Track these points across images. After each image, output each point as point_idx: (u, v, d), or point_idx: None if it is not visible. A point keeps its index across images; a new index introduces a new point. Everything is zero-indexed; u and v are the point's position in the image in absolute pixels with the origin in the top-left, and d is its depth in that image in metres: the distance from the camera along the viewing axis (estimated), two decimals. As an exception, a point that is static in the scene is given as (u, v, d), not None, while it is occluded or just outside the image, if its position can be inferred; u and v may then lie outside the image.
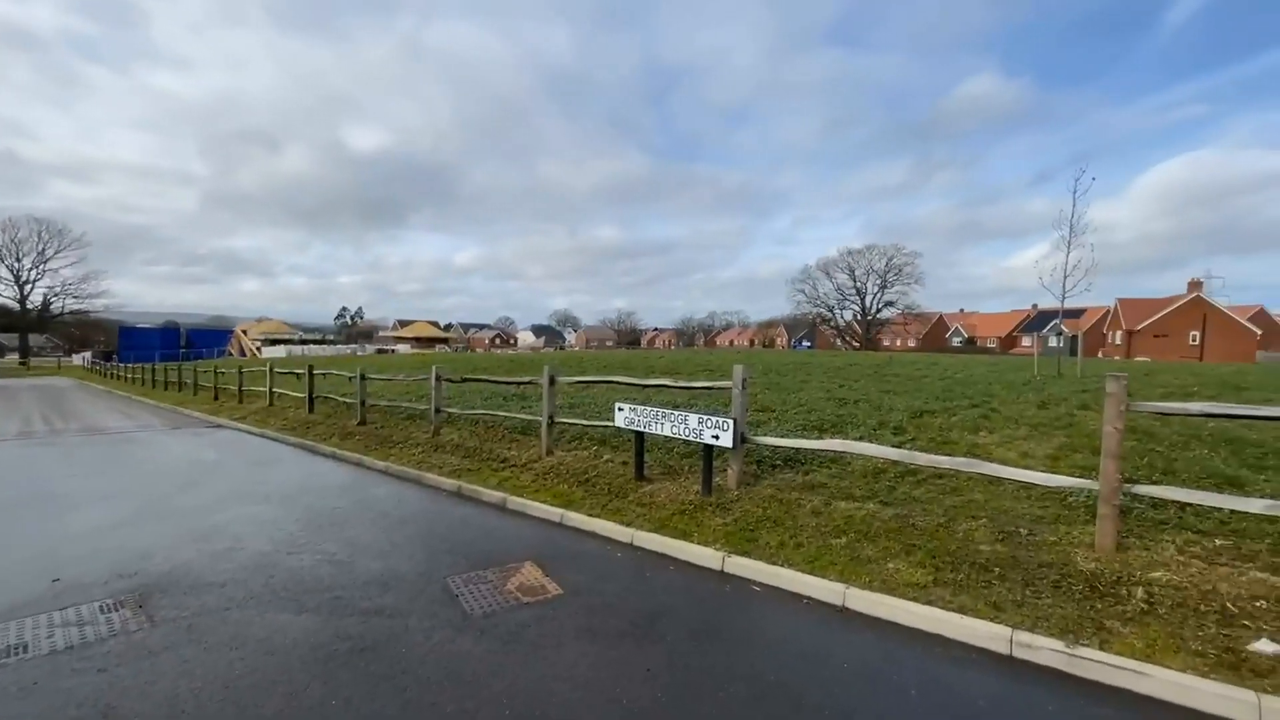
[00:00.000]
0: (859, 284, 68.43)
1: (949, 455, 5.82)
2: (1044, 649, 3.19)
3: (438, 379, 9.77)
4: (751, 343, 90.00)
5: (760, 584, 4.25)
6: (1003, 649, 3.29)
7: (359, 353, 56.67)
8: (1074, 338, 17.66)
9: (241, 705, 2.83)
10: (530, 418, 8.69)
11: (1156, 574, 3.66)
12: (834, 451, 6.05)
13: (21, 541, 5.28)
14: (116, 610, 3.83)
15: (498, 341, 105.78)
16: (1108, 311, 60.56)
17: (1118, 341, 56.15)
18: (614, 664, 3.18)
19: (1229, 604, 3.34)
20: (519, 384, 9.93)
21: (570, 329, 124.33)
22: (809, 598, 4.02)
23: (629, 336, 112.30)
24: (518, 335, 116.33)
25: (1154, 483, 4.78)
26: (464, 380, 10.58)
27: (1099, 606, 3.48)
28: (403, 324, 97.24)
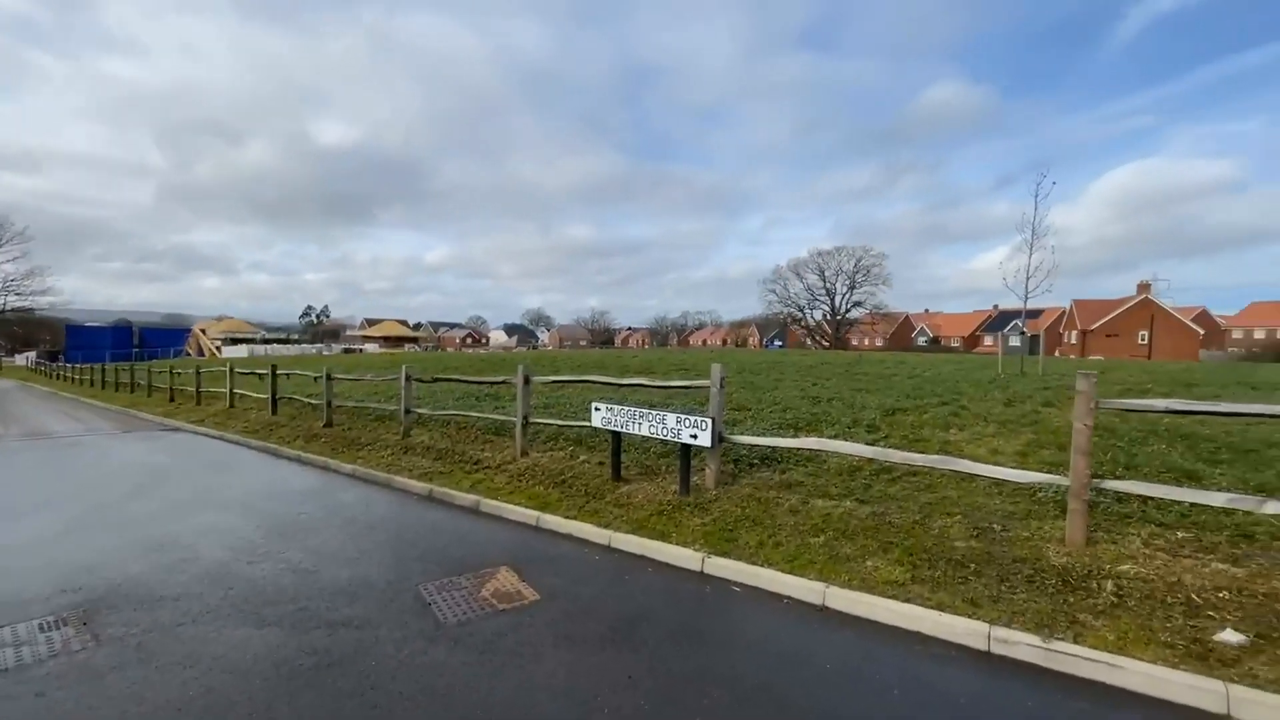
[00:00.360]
0: (828, 284, 69.59)
1: (922, 453, 5.89)
2: (1021, 644, 3.23)
3: (407, 379, 9.51)
4: (724, 342, 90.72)
5: (740, 584, 4.22)
6: (981, 645, 3.32)
7: (325, 352, 55.11)
8: (1035, 337, 18.22)
9: (196, 728, 2.65)
10: (504, 418, 8.52)
11: (1125, 567, 3.75)
12: (810, 450, 6.08)
13: (-48, 555, 4.91)
14: (58, 628, 3.57)
15: (469, 341, 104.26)
16: (1063, 312, 62.87)
17: (1073, 341, 58.39)
18: (594, 671, 3.09)
19: (1194, 595, 3.43)
20: (492, 384, 9.75)
21: (543, 328, 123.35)
22: (789, 597, 3.99)
23: (603, 336, 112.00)
24: (489, 334, 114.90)
25: (1118, 478, 4.91)
26: (435, 380, 10.34)
27: (1071, 600, 3.54)
28: (371, 323, 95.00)
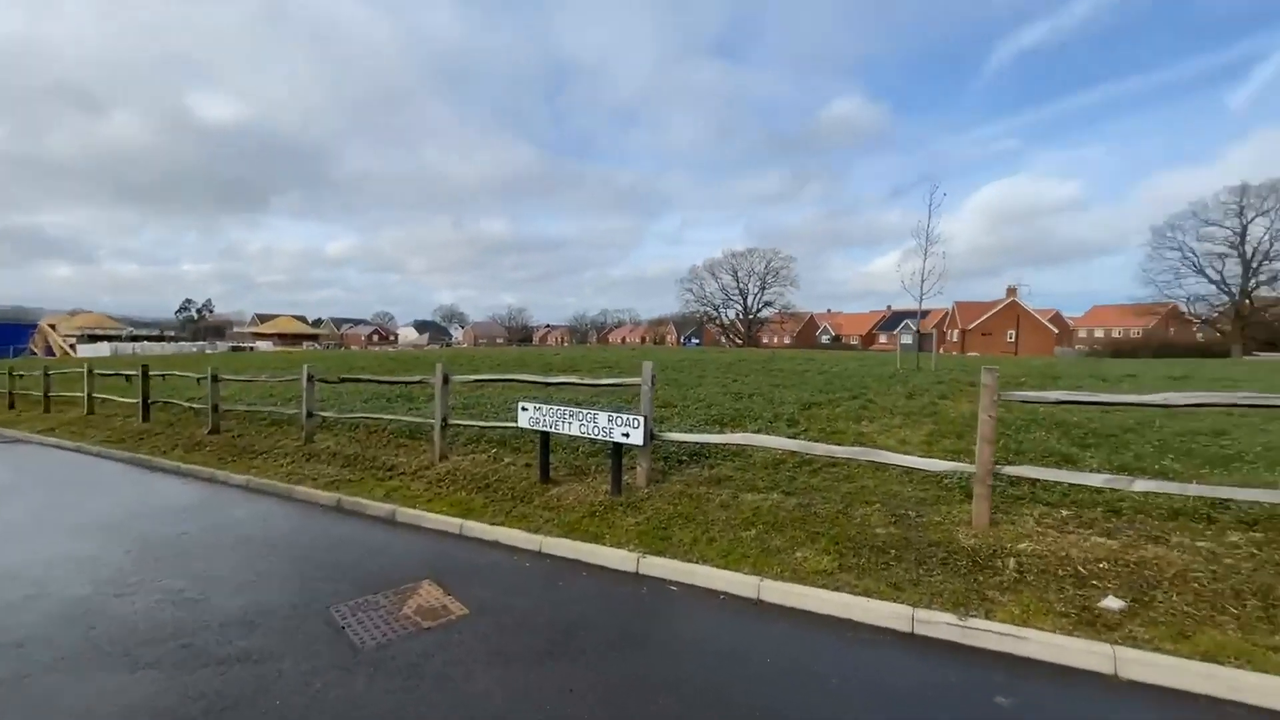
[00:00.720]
0: (741, 285, 72.27)
1: (839, 445, 6.17)
2: (941, 623, 3.43)
3: (310, 379, 8.71)
4: (643, 340, 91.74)
5: (676, 583, 4.19)
6: (905, 627, 3.49)
7: (209, 351, 49.66)
8: (929, 335, 19.83)
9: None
10: (420, 420, 8.02)
11: (1023, 545, 4.10)
12: (737, 445, 6.19)
13: None
14: None
15: (375, 339, 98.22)
16: (946, 313, 69.18)
17: (954, 339, 64.51)
18: (532, 688, 2.93)
19: (1080, 567, 3.81)
20: (406, 384, 9.16)
21: (457, 325, 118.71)
22: (725, 593, 4.02)
23: (520, 333, 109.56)
24: (398, 332, 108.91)
25: (1010, 463, 5.38)
26: (342, 380, 9.57)
27: (981, 579, 3.82)
28: (263, 319, 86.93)
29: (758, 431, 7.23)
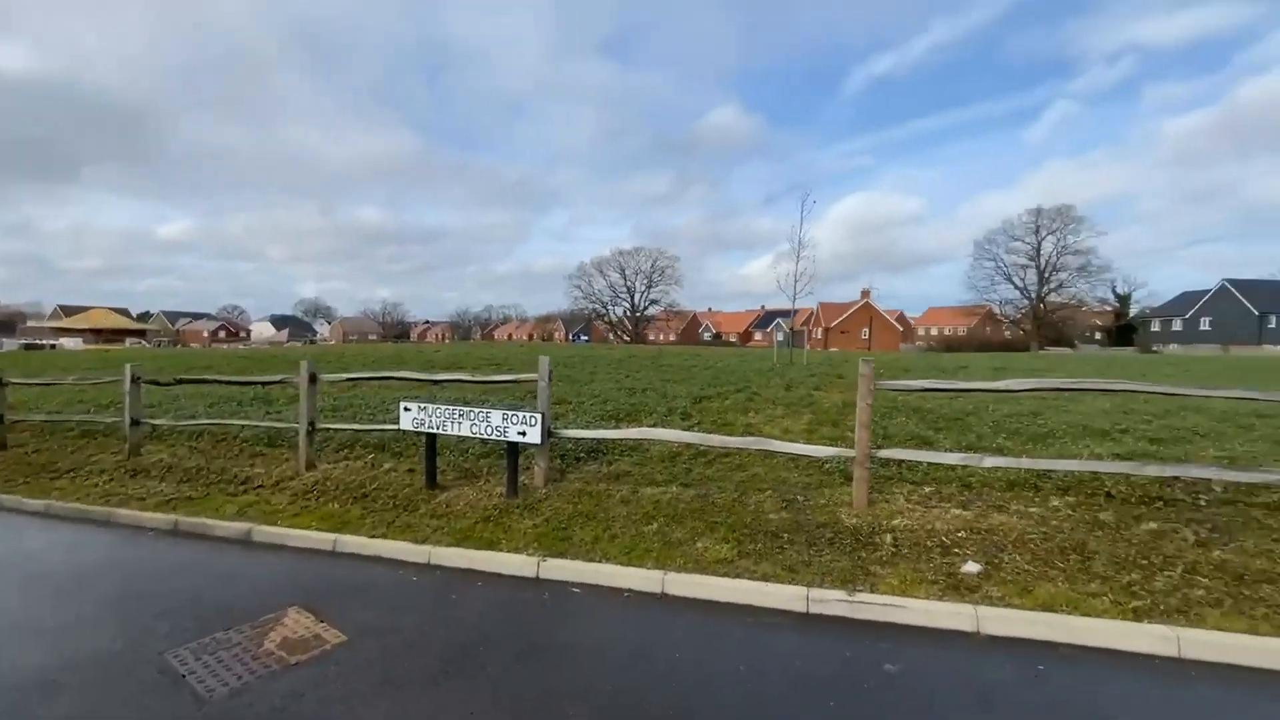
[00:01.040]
0: (629, 283, 73.43)
1: (733, 436, 6.42)
2: (833, 600, 3.63)
3: (135, 381, 7.36)
4: (530, 337, 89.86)
5: (580, 584, 4.05)
6: (802, 607, 3.66)
7: (-14, 350, 40.48)
8: (800, 333, 21.39)
9: None
10: (281, 425, 7.11)
11: (896, 521, 4.49)
12: (634, 440, 6.18)
13: None
14: None
15: (222, 335, 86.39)
16: (811, 312, 75.52)
17: (819, 336, 70.70)
18: (427, 716, 2.64)
19: (944, 538, 4.24)
20: (264, 384, 8.08)
21: (323, 320, 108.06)
22: (630, 590, 3.95)
23: (396, 329, 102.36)
24: (251, 327, 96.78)
25: (880, 447, 5.90)
26: (179, 382, 8.21)
27: (864, 555, 4.11)
28: (69, 311, 72.83)
29: (654, 425, 7.29)
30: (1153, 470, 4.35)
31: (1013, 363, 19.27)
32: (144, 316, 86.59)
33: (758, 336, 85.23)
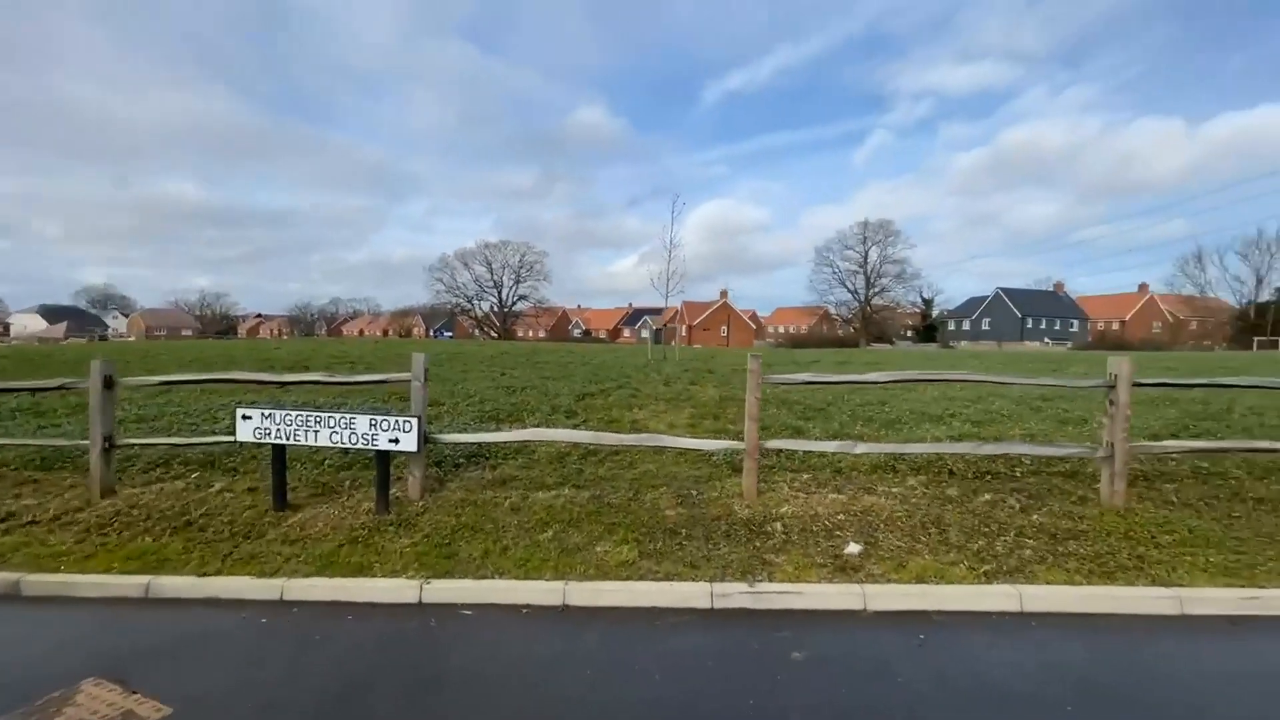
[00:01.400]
0: (496, 277, 70.82)
1: (620, 432, 6.33)
2: (735, 594, 3.67)
3: None
4: (386, 332, 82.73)
5: (471, 605, 3.67)
6: (707, 604, 3.65)
7: None
8: (672, 330, 22.08)
9: None
10: (62, 443, 5.67)
11: (784, 509, 4.70)
12: (520, 441, 5.84)
13: None
14: None
15: (-41, 329, 67.99)
16: (676, 311, 78.88)
17: (683, 334, 74.17)
18: (296, 792, 2.17)
19: (827, 522, 4.52)
20: (34, 391, 6.38)
21: (117, 313, 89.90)
22: (529, 605, 3.67)
23: (220, 324, 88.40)
24: (11, 320, 77.42)
25: (760, 438, 6.19)
26: (-109, 392, 6.19)
27: (758, 545, 4.24)
28: None
29: (539, 425, 6.98)
30: (989, 449, 5.02)
31: (853, 357, 21.68)
32: None
33: (626, 333, 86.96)
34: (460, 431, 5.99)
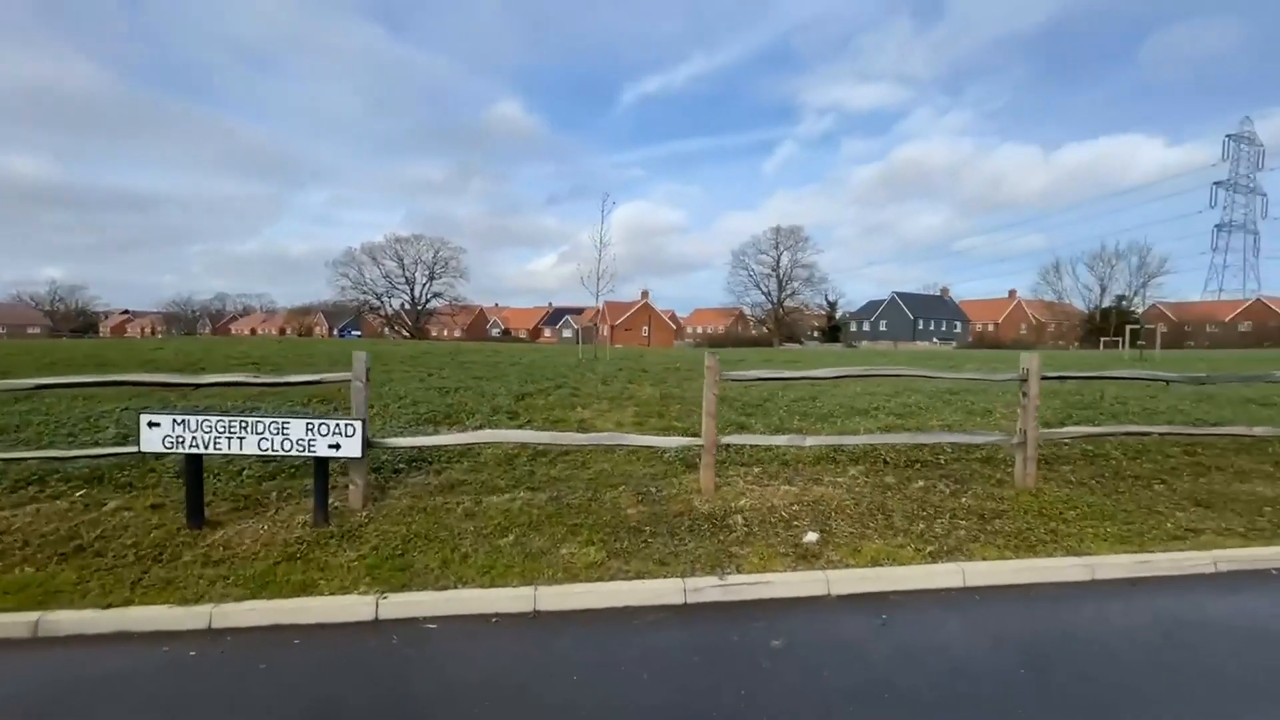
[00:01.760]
0: (408, 273, 67.36)
1: (566, 431, 6.21)
2: (707, 587, 3.71)
3: None
4: (282, 331, 76.04)
5: (435, 618, 3.45)
6: (680, 599, 3.66)
7: None
8: (598, 328, 22.01)
9: None
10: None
11: (742, 502, 4.82)
12: (464, 444, 5.59)
13: None
14: None
15: None
16: (598, 310, 78.92)
17: (605, 333, 74.32)
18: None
19: (784, 513, 4.68)
20: None
21: (-68, 307, 76.03)
22: (498, 614, 3.51)
23: (77, 321, 77.31)
24: None
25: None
26: None
27: (722, 538, 4.31)
28: None
29: (480, 427, 6.71)
30: (923, 439, 5.44)
31: (773, 356, 22.68)
32: None
33: (548, 333, 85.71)
34: (403, 435, 5.62)
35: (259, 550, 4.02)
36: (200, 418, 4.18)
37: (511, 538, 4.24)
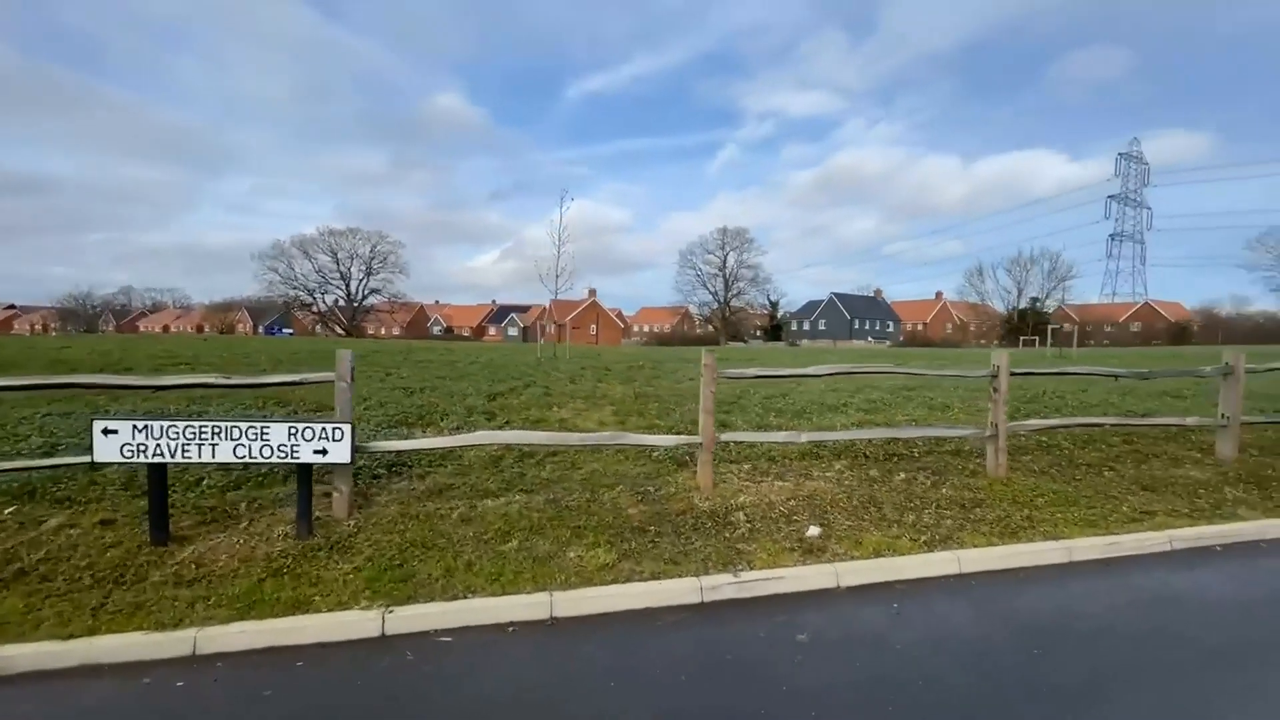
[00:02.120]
0: (343, 268, 64.08)
1: (547, 430, 6.07)
2: (723, 585, 3.71)
3: None
4: (199, 328, 70.37)
5: (447, 630, 3.28)
6: (697, 598, 3.64)
7: None
8: (558, 326, 21.71)
9: None
10: None
11: (741, 499, 4.85)
12: (459, 446, 5.36)
13: None
14: None
15: None
16: (544, 309, 78.04)
17: (552, 331, 73.55)
18: None
19: (782, 508, 4.75)
20: None
21: None
22: (513, 622, 3.37)
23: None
24: None
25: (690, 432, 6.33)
26: None
27: (729, 536, 4.32)
28: None
29: (458, 428, 6.46)
30: (907, 433, 5.68)
31: (729, 354, 23.08)
32: None
33: (492, 331, 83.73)
34: (381, 439, 5.31)
35: (238, 567, 3.68)
36: (165, 423, 3.78)
37: (515, 543, 4.09)
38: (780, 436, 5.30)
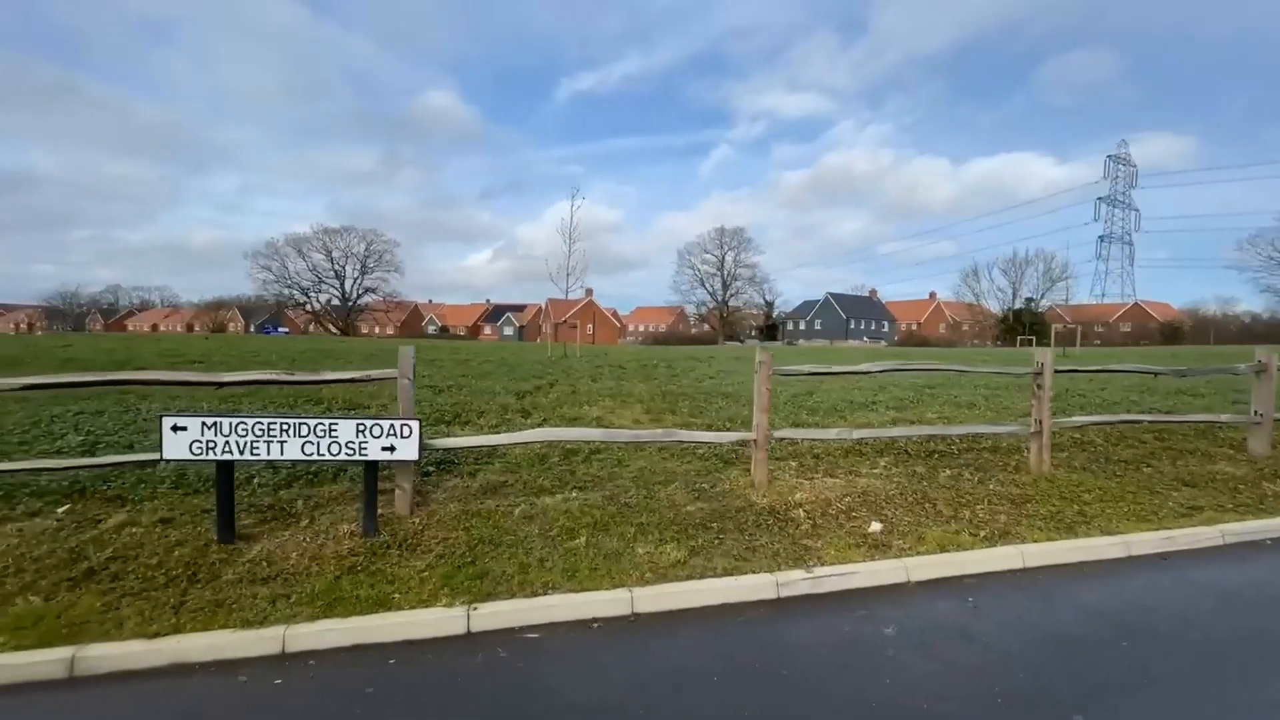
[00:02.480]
0: (337, 267, 63.66)
1: (580, 427, 6.06)
2: (798, 581, 3.72)
3: None
4: (190, 327, 69.60)
5: (533, 627, 3.26)
6: (773, 594, 3.65)
7: None
8: (562, 324, 21.65)
9: None
10: None
11: (798, 496, 4.86)
12: (523, 443, 5.33)
13: None
14: None
15: None
16: (540, 308, 78.00)
17: (549, 330, 73.43)
18: None
19: (838, 505, 4.77)
20: None
21: None
22: (598, 619, 3.36)
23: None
24: None
25: (741, 429, 6.34)
26: None
27: (791, 532, 4.33)
28: None
29: (497, 425, 6.44)
30: (956, 430, 5.73)
31: (733, 353, 23.12)
32: None
33: (488, 330, 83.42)
34: (433, 438, 5.27)
35: (309, 565, 3.65)
36: (234, 420, 3.74)
37: (582, 540, 4.08)
38: (833, 433, 5.32)
